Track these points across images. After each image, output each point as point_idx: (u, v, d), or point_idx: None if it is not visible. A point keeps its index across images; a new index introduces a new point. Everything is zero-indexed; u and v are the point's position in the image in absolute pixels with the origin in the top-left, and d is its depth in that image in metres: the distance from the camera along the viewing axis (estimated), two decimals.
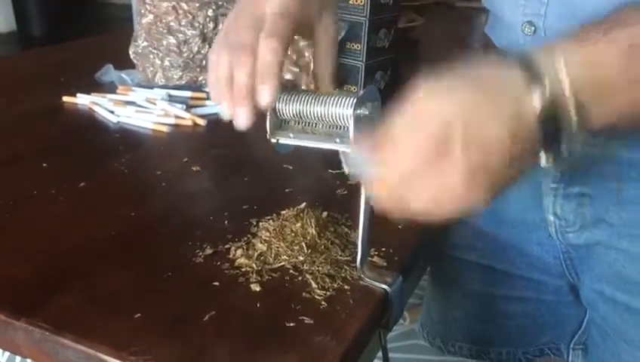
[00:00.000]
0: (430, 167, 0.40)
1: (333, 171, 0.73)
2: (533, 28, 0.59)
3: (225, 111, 0.50)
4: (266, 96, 0.47)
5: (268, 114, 0.51)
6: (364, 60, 0.96)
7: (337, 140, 0.50)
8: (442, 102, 0.41)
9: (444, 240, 0.77)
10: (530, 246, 0.71)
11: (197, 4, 0.98)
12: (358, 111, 0.48)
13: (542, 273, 0.73)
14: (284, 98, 0.51)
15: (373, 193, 0.45)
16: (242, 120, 0.48)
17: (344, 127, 0.49)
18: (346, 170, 0.48)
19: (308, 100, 0.50)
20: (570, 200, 0.63)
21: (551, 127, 0.40)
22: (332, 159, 0.70)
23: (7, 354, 0.70)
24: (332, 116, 0.49)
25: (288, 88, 0.52)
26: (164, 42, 0.99)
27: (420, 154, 0.41)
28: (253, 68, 0.47)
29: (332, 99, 0.49)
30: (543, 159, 0.42)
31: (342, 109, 0.49)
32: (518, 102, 0.40)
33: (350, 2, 0.94)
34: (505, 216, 0.71)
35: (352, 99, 0.48)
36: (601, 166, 0.60)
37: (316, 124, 0.51)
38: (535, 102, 0.39)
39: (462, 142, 0.40)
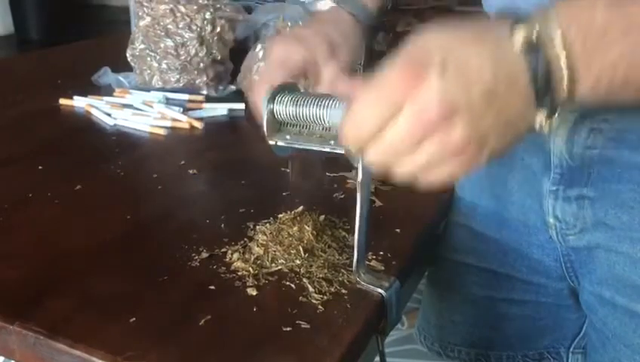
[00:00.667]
0: (404, 95, 0.38)
1: (331, 174, 0.72)
2: None
3: None
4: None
5: (265, 116, 0.51)
6: (362, 63, 0.96)
7: (332, 143, 0.50)
8: (425, 38, 0.40)
9: (442, 242, 0.77)
10: (531, 249, 0.71)
11: (195, 7, 0.98)
12: None
13: (542, 276, 0.72)
14: (281, 100, 0.51)
15: (349, 145, 0.42)
16: None
17: (337, 129, 0.49)
18: (341, 148, 0.47)
19: (303, 102, 0.50)
20: (571, 202, 0.63)
21: (539, 73, 0.38)
22: (331, 162, 0.70)
23: (1, 358, 0.69)
24: (325, 118, 0.49)
25: (287, 89, 0.51)
26: (162, 45, 0.98)
27: (393, 83, 0.38)
28: None
29: (325, 101, 0.49)
30: (537, 115, 0.40)
31: (334, 111, 0.48)
32: (502, 41, 0.38)
33: None
34: (505, 219, 0.71)
35: (343, 100, 0.48)
36: (601, 168, 0.60)
37: (312, 126, 0.51)
38: (518, 38, 0.38)
39: (438, 69, 0.37)
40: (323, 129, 0.50)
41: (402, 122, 0.39)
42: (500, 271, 0.74)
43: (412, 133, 0.39)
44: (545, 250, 0.69)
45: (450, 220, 0.76)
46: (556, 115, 0.40)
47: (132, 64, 1.01)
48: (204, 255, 0.56)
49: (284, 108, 0.50)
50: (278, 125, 0.52)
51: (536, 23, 0.38)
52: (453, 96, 0.38)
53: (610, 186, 0.60)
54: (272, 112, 0.51)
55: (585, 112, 0.57)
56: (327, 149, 0.50)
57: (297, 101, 0.50)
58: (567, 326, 0.76)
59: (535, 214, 0.67)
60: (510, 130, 0.41)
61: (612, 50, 0.38)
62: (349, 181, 0.71)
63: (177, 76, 0.99)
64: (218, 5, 0.99)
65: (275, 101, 0.50)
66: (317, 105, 0.49)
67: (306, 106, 0.49)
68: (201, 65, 0.98)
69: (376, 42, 0.97)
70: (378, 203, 0.66)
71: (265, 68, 0.54)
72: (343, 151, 0.48)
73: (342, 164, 0.67)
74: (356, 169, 0.49)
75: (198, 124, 0.87)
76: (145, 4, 0.99)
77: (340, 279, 0.53)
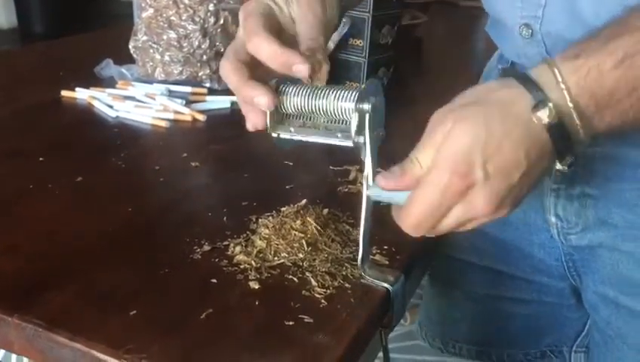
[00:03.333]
0: (458, 200, 0.44)
1: (335, 168, 0.72)
2: (530, 30, 0.58)
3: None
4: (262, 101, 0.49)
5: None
6: (366, 56, 0.95)
7: (339, 135, 0.49)
8: (460, 136, 0.43)
9: (444, 240, 0.76)
10: (532, 248, 0.70)
11: None
12: (361, 106, 0.47)
13: (544, 275, 0.72)
14: (285, 91, 0.50)
15: (396, 217, 0.48)
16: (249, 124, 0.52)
17: (346, 122, 0.48)
18: (349, 140, 0.48)
19: (309, 93, 0.49)
20: (573, 201, 0.62)
21: (560, 137, 0.43)
22: (333, 155, 0.69)
23: (2, 351, 0.69)
24: (334, 110, 0.48)
25: (289, 81, 0.51)
26: (165, 37, 0.98)
27: (447, 192, 0.43)
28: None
29: (334, 92, 0.48)
30: (558, 165, 0.45)
31: (344, 103, 0.47)
32: (528, 122, 0.43)
33: (349, 43, 0.93)
34: (506, 218, 0.70)
35: (354, 92, 0.47)
36: (604, 166, 0.59)
37: (317, 118, 0.50)
38: (543, 119, 0.43)
39: (483, 172, 0.43)
40: (329, 121, 0.49)
41: (457, 217, 0.45)
42: (502, 269, 0.74)
43: (464, 223, 0.46)
44: (546, 249, 0.69)
45: None
46: (573, 162, 0.45)
47: (135, 56, 1.00)
48: (206, 248, 0.55)
49: (289, 100, 0.49)
50: (281, 117, 0.51)
51: (550, 96, 0.43)
52: (498, 194, 0.44)
53: (612, 184, 0.59)
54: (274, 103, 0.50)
55: None
56: (335, 142, 0.49)
57: (303, 92, 0.49)
58: (570, 325, 0.76)
59: (536, 213, 0.67)
60: (535, 185, 0.46)
61: (621, 104, 0.43)
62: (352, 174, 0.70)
63: (180, 68, 0.98)
64: None
65: (279, 92, 0.50)
66: (326, 97, 0.48)
67: (314, 98, 0.48)
68: (204, 57, 0.97)
69: (381, 36, 0.96)
70: None
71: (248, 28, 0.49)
72: (350, 144, 0.48)
73: (345, 157, 0.66)
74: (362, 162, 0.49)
75: (201, 117, 0.86)
76: None
77: (344, 273, 0.52)
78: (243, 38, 0.50)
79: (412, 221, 0.46)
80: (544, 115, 0.42)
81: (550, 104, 0.42)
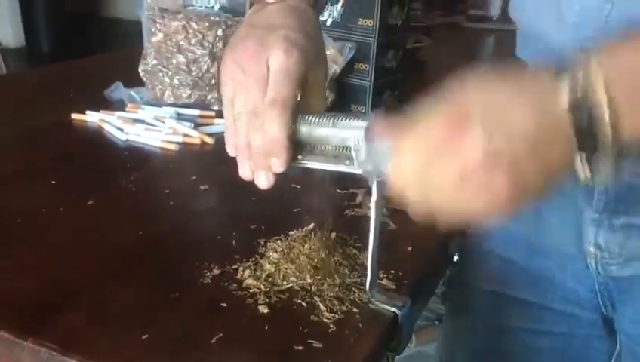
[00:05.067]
0: (449, 144, 0.39)
1: (342, 191, 0.72)
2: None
3: (246, 174, 0.52)
4: (278, 167, 0.49)
5: None
6: (372, 80, 0.96)
7: (347, 162, 0.50)
8: (465, 89, 0.40)
9: (464, 268, 0.75)
10: (565, 278, 0.68)
11: (207, 24, 0.99)
12: (369, 133, 0.48)
13: (575, 306, 0.69)
14: (295, 119, 0.51)
15: (390, 191, 0.44)
16: (263, 182, 0.51)
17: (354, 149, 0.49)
18: (357, 168, 0.48)
19: (317, 121, 0.50)
20: (615, 231, 0.60)
21: (583, 125, 0.39)
22: (340, 179, 0.70)
23: None
24: (342, 138, 0.49)
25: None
26: (174, 61, 0.99)
27: (437, 133, 0.40)
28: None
29: (342, 121, 0.49)
30: (579, 167, 0.40)
31: (352, 131, 0.48)
32: (546, 95, 0.39)
33: (359, 23, 0.94)
34: (537, 246, 0.68)
35: (362, 121, 0.48)
36: None
37: (325, 146, 0.51)
38: (563, 95, 0.38)
39: (481, 121, 0.39)
40: (337, 148, 0.50)
41: (446, 170, 0.40)
42: (530, 299, 0.71)
43: (454, 181, 0.40)
44: (580, 279, 0.67)
45: (474, 245, 0.74)
46: (599, 164, 0.40)
47: (144, 79, 1.02)
48: (216, 271, 0.56)
49: (297, 128, 0.50)
50: None
51: (579, 78, 0.38)
52: (496, 147, 0.39)
53: None
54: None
55: None
56: (343, 169, 0.50)
57: (311, 121, 0.50)
58: (598, 358, 0.72)
59: (571, 242, 0.65)
60: (550, 177, 0.41)
61: None
62: (358, 198, 0.71)
63: (189, 92, 0.99)
64: (230, 22, 1.00)
65: None
66: (334, 125, 0.49)
67: (322, 126, 0.49)
68: (213, 81, 0.99)
69: (386, 60, 0.98)
70: (392, 225, 0.66)
71: (272, 79, 0.48)
72: (360, 171, 0.48)
73: (352, 181, 0.67)
74: (369, 188, 0.49)
75: (209, 140, 0.87)
76: (157, 20, 1.00)
77: (352, 298, 0.53)
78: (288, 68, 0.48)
79: (398, 170, 0.43)
80: (565, 89, 0.39)
81: (578, 79, 0.38)
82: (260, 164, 0.50)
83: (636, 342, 0.65)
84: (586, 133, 0.39)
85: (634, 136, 0.39)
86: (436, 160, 0.40)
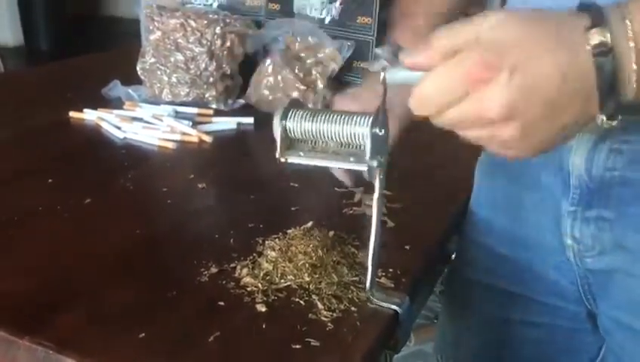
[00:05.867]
0: (471, 89, 0.41)
1: (340, 190, 0.72)
2: None
3: None
4: None
5: (278, 133, 0.51)
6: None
7: (352, 159, 0.49)
8: (501, 31, 0.41)
9: (458, 260, 0.76)
10: (547, 270, 0.69)
11: (205, 22, 0.99)
12: (375, 130, 0.47)
13: (559, 298, 0.70)
14: (296, 116, 0.50)
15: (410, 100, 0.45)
16: None
17: (358, 146, 0.49)
18: (361, 164, 0.48)
19: (320, 119, 0.50)
20: (589, 223, 0.61)
21: (608, 71, 0.40)
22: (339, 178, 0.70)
23: None
24: (347, 135, 0.49)
25: (296, 106, 0.51)
26: (172, 59, 0.99)
27: (464, 76, 0.41)
28: None
29: (347, 117, 0.49)
30: (599, 114, 0.41)
31: (358, 128, 0.48)
32: (578, 48, 0.40)
33: (358, 21, 0.94)
34: (521, 238, 0.69)
35: (368, 117, 0.48)
36: (621, 190, 0.58)
37: (327, 143, 0.51)
38: (594, 41, 0.39)
39: (509, 70, 0.40)
40: (340, 145, 0.50)
41: (463, 109, 0.42)
42: (516, 291, 0.72)
43: (470, 121, 0.42)
44: (561, 272, 0.68)
45: (466, 237, 0.75)
46: (619, 116, 0.41)
47: (142, 77, 1.02)
48: (214, 270, 0.56)
49: (299, 125, 0.50)
50: (289, 142, 0.52)
51: (611, 24, 0.40)
52: (514, 102, 0.40)
53: (630, 209, 0.59)
54: (285, 129, 0.50)
55: (605, 133, 0.57)
56: (347, 166, 0.50)
57: (314, 118, 0.50)
58: (584, 350, 0.74)
59: (552, 234, 0.66)
60: (563, 132, 0.43)
61: None
62: (357, 196, 0.71)
63: (187, 90, 0.99)
64: (228, 20, 1.00)
65: (288, 118, 0.50)
66: (339, 121, 0.49)
67: (326, 123, 0.49)
68: (211, 79, 0.99)
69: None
70: (390, 223, 0.66)
71: None
72: (364, 168, 0.48)
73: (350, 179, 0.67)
74: (367, 186, 0.49)
75: (207, 138, 0.87)
76: (155, 18, 1.00)
77: (350, 296, 0.53)
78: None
79: (419, 95, 0.43)
80: (596, 35, 0.39)
81: (607, 29, 0.39)
82: None
83: (611, 336, 0.65)
84: (608, 85, 0.40)
85: None
86: (457, 96, 0.42)
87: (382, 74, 0.46)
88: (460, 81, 0.41)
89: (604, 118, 0.42)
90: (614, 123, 0.42)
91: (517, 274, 0.72)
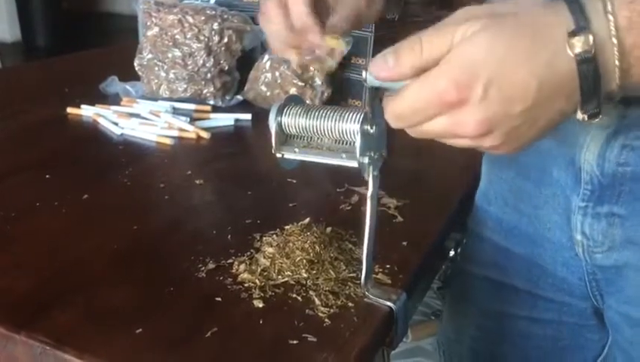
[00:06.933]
0: (446, 111, 0.41)
1: (338, 188, 0.72)
2: None
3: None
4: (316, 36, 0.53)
5: (273, 128, 0.51)
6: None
7: (343, 155, 0.50)
8: (478, 44, 0.40)
9: (463, 255, 0.76)
10: (555, 266, 0.68)
11: (202, 18, 0.99)
12: (365, 127, 0.48)
13: (566, 294, 0.69)
14: (290, 112, 0.51)
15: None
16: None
17: (350, 143, 0.49)
18: (353, 161, 0.49)
19: (314, 114, 0.50)
20: (600, 219, 0.61)
21: (591, 75, 0.39)
22: (336, 173, 0.70)
23: None
24: (338, 131, 0.49)
25: (293, 102, 0.52)
26: (170, 55, 0.99)
27: (438, 98, 0.40)
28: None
29: (339, 114, 0.49)
30: (579, 113, 0.41)
31: (349, 124, 0.48)
32: (558, 51, 0.39)
33: None
34: (529, 234, 0.69)
35: (358, 114, 0.48)
36: (633, 185, 0.58)
37: (321, 139, 0.51)
38: (577, 47, 0.38)
39: (482, 91, 0.39)
40: (334, 141, 0.50)
41: (439, 127, 0.42)
42: (522, 287, 0.72)
43: (445, 136, 0.43)
44: (570, 268, 0.67)
45: (472, 232, 0.74)
46: (600, 115, 0.41)
47: (140, 73, 1.02)
48: (211, 266, 0.56)
49: (294, 121, 0.50)
50: (285, 137, 0.52)
51: (592, 23, 0.38)
52: (490, 117, 0.40)
53: None
54: (280, 125, 0.51)
55: (618, 129, 0.56)
56: (339, 162, 0.50)
57: (308, 113, 0.50)
58: (589, 347, 0.73)
59: (561, 231, 0.65)
60: (546, 128, 0.42)
61: None
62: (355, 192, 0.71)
63: (185, 86, 0.99)
64: (226, 16, 1.00)
65: (284, 113, 0.50)
66: (330, 118, 0.49)
67: (319, 119, 0.49)
68: (209, 75, 0.99)
69: None
70: (399, 218, 0.66)
71: None
72: (355, 164, 0.48)
73: (348, 175, 0.67)
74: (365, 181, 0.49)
75: (205, 134, 0.87)
76: (153, 14, 1.00)
77: (347, 292, 0.53)
78: None
79: (394, 111, 0.43)
80: (579, 43, 0.38)
81: (590, 33, 0.38)
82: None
83: (620, 332, 0.65)
84: (591, 88, 0.39)
85: (636, 83, 0.40)
86: (431, 114, 0.41)
87: (364, 74, 0.45)
88: (432, 103, 0.41)
89: (586, 117, 0.41)
90: (595, 120, 0.41)
91: (524, 270, 0.71)
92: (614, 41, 0.38)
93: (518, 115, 0.40)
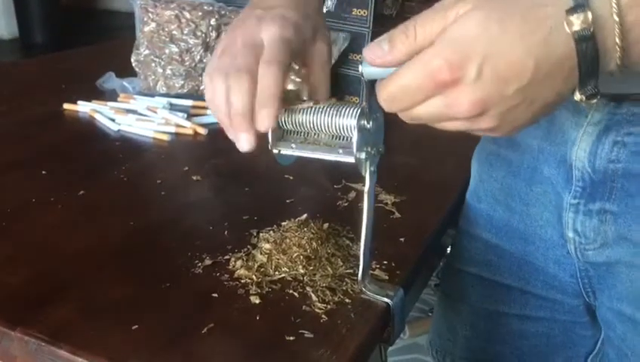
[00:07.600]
0: (440, 91, 0.40)
1: (335, 185, 0.72)
2: None
3: (230, 135, 0.51)
4: (265, 120, 0.48)
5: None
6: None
7: (340, 151, 0.49)
8: (470, 24, 0.39)
9: (454, 253, 0.76)
10: (547, 264, 0.68)
11: (200, 13, 0.98)
12: (362, 122, 0.47)
13: (558, 292, 0.70)
14: (287, 108, 0.50)
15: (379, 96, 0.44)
16: (244, 144, 0.50)
17: (347, 138, 0.49)
18: (350, 156, 0.48)
19: (311, 111, 0.50)
20: (592, 216, 0.61)
21: (590, 54, 0.37)
22: (333, 169, 0.70)
23: None
24: (335, 127, 0.49)
25: (291, 99, 0.51)
26: (166, 51, 0.99)
27: (431, 78, 0.39)
28: (251, 92, 0.48)
29: (335, 110, 0.49)
30: (577, 94, 0.40)
31: (346, 120, 0.48)
32: (555, 28, 0.37)
33: (353, 13, 0.94)
34: (521, 232, 0.69)
35: (356, 109, 0.48)
36: (625, 182, 0.58)
37: (318, 134, 0.51)
38: (575, 25, 0.37)
39: (476, 71, 0.38)
40: (331, 137, 0.50)
41: (432, 109, 0.41)
42: (514, 285, 0.72)
43: (439, 119, 0.42)
44: (561, 265, 0.67)
45: (463, 230, 0.74)
46: (598, 95, 0.39)
47: (136, 69, 1.01)
48: (208, 262, 0.56)
49: (291, 117, 0.50)
50: (282, 133, 0.52)
51: (590, 5, 0.37)
52: (485, 97, 0.39)
53: (634, 201, 0.58)
54: (276, 121, 0.50)
55: (609, 125, 0.56)
56: (336, 158, 0.50)
57: (304, 109, 0.50)
58: (581, 344, 0.74)
59: (553, 228, 0.66)
60: (543, 110, 0.41)
61: None
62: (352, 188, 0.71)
63: (182, 82, 0.99)
64: (223, 12, 1.00)
65: (282, 110, 0.50)
66: (327, 113, 0.49)
67: (316, 114, 0.49)
68: None
69: None
70: (397, 214, 0.66)
71: (267, 45, 0.48)
72: (352, 160, 0.48)
73: (345, 171, 0.67)
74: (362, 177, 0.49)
75: (202, 130, 0.87)
76: (150, 9, 1.00)
77: (344, 288, 0.53)
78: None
79: (387, 93, 0.42)
80: (578, 20, 0.37)
81: (589, 10, 0.37)
82: (240, 126, 0.49)
83: (612, 329, 0.65)
84: (589, 67, 0.38)
85: (634, 63, 0.39)
86: (424, 96, 0.40)
87: (361, 68, 0.45)
88: (425, 83, 0.40)
89: (584, 98, 0.40)
90: (593, 101, 0.40)
91: (515, 267, 0.71)
92: (616, 18, 0.37)
93: (513, 95, 0.39)
